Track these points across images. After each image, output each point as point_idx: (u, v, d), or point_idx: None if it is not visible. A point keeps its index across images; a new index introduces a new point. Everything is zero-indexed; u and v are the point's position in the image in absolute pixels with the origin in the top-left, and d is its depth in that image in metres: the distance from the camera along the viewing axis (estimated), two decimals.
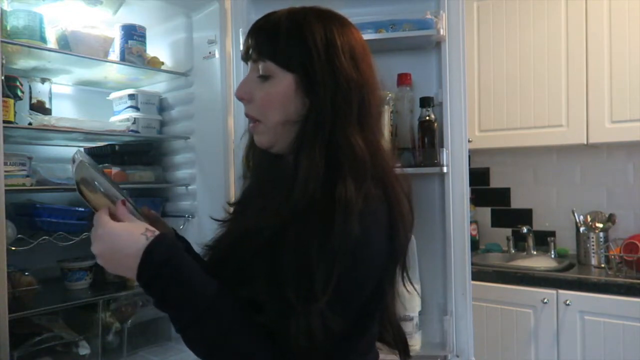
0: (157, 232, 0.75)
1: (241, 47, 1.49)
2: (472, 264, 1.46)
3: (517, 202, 2.62)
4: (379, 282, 0.78)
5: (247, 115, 0.83)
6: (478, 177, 2.67)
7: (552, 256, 2.37)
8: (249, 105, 0.83)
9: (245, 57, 0.83)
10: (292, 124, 0.79)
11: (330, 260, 0.69)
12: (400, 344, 0.91)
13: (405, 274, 0.85)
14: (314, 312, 0.68)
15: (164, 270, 0.71)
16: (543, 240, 2.45)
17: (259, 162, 0.90)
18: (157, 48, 1.79)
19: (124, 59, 1.63)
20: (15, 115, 1.38)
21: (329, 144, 0.76)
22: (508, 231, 2.60)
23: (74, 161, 0.76)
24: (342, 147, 0.76)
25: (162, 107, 1.84)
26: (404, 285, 0.86)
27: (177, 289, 0.71)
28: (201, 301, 0.70)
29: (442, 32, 1.39)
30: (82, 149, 0.77)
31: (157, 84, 1.87)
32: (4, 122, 1.24)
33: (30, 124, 1.43)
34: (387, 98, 1.39)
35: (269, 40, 0.79)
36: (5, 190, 1.21)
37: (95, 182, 0.76)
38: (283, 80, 0.79)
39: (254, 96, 0.81)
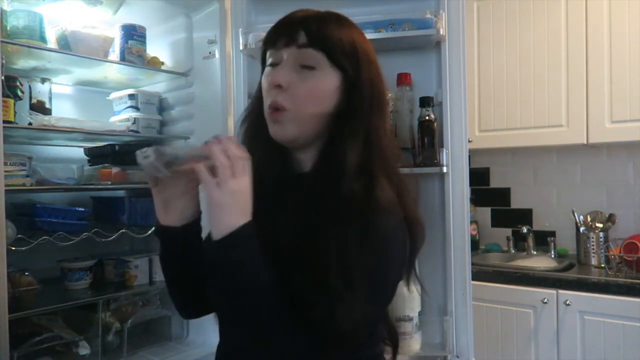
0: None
1: (241, 47, 1.50)
2: (472, 264, 1.45)
3: (517, 202, 2.62)
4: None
5: (276, 103, 0.79)
6: (478, 177, 2.67)
7: (552, 256, 2.37)
8: (282, 93, 0.79)
9: (288, 42, 0.80)
10: (322, 118, 0.80)
11: (370, 255, 0.73)
12: (394, 339, 0.94)
13: (414, 273, 0.88)
14: (357, 300, 0.71)
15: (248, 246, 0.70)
16: (543, 240, 2.45)
17: (266, 157, 0.84)
18: (157, 48, 1.79)
19: (124, 59, 1.63)
20: (15, 115, 1.38)
21: (364, 144, 0.79)
22: (508, 231, 2.60)
23: (146, 157, 0.73)
24: (375, 147, 0.79)
25: (162, 107, 1.84)
26: (417, 282, 0.91)
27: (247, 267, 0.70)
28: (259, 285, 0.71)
29: (442, 31, 1.38)
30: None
31: (157, 84, 1.87)
32: (4, 122, 1.24)
33: (30, 124, 1.43)
34: (387, 98, 1.39)
35: (324, 33, 0.79)
36: (5, 190, 1.21)
37: (178, 157, 0.74)
38: (329, 75, 0.79)
39: (290, 84, 0.79)
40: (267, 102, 0.81)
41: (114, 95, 1.81)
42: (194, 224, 0.83)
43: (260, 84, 0.86)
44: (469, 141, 1.46)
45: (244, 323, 0.72)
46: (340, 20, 0.82)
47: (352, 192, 0.75)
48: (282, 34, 0.81)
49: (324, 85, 0.79)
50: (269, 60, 0.83)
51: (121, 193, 1.86)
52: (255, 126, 0.84)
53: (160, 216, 0.82)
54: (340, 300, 0.70)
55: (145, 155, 0.74)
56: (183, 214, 0.81)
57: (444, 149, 1.40)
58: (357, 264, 0.72)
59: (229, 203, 0.69)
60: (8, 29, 1.38)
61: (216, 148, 0.69)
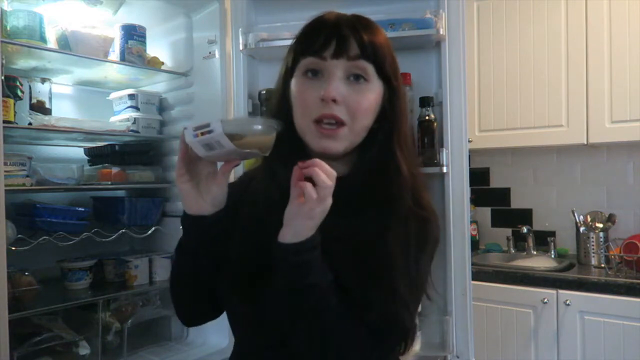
0: None
1: (241, 47, 1.50)
2: (472, 264, 1.45)
3: (517, 202, 2.62)
4: None
5: (337, 118, 0.76)
6: (478, 177, 2.67)
7: (552, 256, 2.37)
8: (336, 107, 0.76)
9: (338, 53, 0.77)
10: (368, 129, 0.80)
11: (428, 260, 0.82)
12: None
13: None
14: (416, 302, 0.81)
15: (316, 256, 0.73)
16: (543, 240, 2.45)
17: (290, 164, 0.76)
18: (157, 48, 1.79)
19: (124, 59, 1.63)
20: (15, 115, 1.38)
21: (408, 152, 0.83)
22: (508, 231, 2.60)
23: (210, 131, 0.69)
24: (412, 154, 0.84)
25: (162, 107, 1.84)
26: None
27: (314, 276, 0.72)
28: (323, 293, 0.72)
29: (441, 31, 1.38)
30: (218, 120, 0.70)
31: (157, 84, 1.87)
32: (4, 122, 1.24)
33: (30, 124, 1.43)
34: None
35: (375, 44, 0.78)
36: (5, 190, 1.21)
37: (242, 130, 0.72)
38: (376, 86, 0.79)
39: (345, 99, 0.76)
40: (313, 114, 0.76)
41: (114, 95, 1.81)
42: (224, 211, 0.79)
43: (285, 90, 0.82)
44: (469, 141, 1.46)
45: (311, 323, 0.73)
46: (376, 26, 0.82)
47: (407, 199, 0.79)
48: (328, 43, 0.77)
49: (374, 97, 0.79)
50: (305, 67, 0.79)
51: (121, 193, 1.87)
52: (281, 135, 0.75)
53: (191, 204, 0.77)
54: (405, 303, 0.75)
55: (208, 130, 0.69)
56: (216, 200, 0.78)
57: (444, 149, 1.39)
58: (419, 269, 0.79)
59: (317, 217, 0.70)
60: (8, 29, 1.38)
61: (319, 170, 0.69)
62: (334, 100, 0.75)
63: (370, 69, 0.78)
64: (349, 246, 0.76)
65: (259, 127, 0.73)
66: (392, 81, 0.81)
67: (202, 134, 0.69)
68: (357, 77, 0.77)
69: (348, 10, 0.86)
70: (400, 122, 0.82)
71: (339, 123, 0.76)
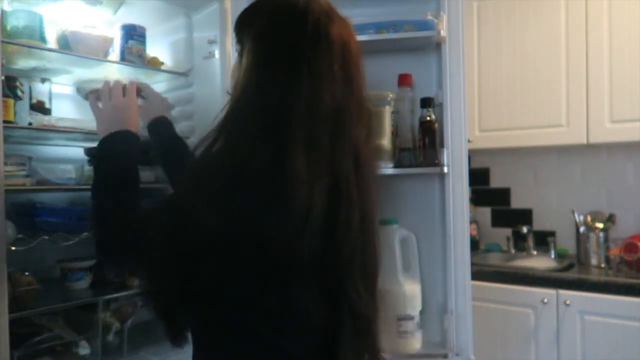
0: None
1: None
2: (472, 264, 1.46)
3: (517, 202, 2.63)
4: None
5: None
6: (478, 177, 2.67)
7: (552, 256, 2.37)
8: None
9: None
10: None
11: None
12: None
13: None
14: None
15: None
16: (543, 240, 2.45)
17: None
18: (157, 48, 1.79)
19: (124, 59, 1.63)
20: (15, 115, 1.38)
21: None
22: (508, 231, 2.60)
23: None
24: None
25: None
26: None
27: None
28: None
29: (442, 33, 1.39)
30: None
31: (157, 84, 1.86)
32: (4, 122, 1.24)
33: (30, 124, 1.43)
34: (388, 98, 1.40)
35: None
36: (5, 190, 1.21)
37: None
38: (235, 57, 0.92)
39: None
40: None
41: None
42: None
43: None
44: (469, 141, 1.46)
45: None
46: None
47: None
48: None
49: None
50: None
51: None
52: None
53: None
54: None
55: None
56: None
57: (445, 149, 1.40)
58: None
59: (107, 116, 1.02)
60: (8, 29, 1.38)
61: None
62: None
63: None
64: None
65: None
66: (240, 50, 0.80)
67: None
68: None
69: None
70: (234, 90, 0.79)
71: None
